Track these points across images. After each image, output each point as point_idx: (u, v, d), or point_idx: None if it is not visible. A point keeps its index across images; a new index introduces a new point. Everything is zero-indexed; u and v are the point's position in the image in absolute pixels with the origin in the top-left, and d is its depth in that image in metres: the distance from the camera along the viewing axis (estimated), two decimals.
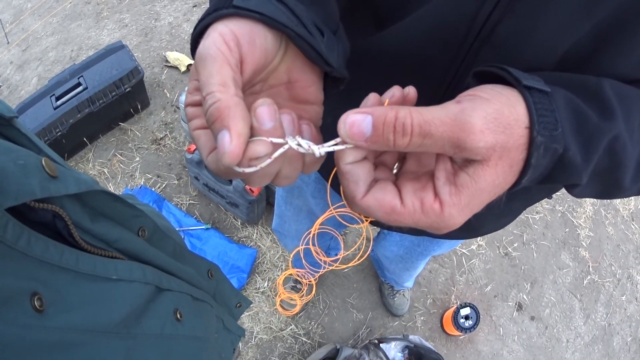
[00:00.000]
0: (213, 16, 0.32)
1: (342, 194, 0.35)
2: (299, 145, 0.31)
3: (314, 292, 1.72)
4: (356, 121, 0.30)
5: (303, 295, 1.70)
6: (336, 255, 1.46)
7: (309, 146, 0.32)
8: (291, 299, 1.71)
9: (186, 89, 0.35)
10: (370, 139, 0.30)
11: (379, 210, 0.32)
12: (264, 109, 0.29)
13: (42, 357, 0.26)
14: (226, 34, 0.30)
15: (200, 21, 0.33)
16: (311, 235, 0.89)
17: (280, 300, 1.74)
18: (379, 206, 0.31)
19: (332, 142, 0.32)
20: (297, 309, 1.72)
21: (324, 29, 0.35)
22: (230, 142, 0.27)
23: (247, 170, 0.30)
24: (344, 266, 0.99)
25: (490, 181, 0.30)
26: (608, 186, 0.39)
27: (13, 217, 0.26)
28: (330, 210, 0.81)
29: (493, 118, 0.28)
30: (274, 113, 0.29)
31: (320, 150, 0.32)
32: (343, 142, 0.31)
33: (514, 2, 0.38)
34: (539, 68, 0.41)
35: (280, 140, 0.30)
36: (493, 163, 0.29)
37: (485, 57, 0.43)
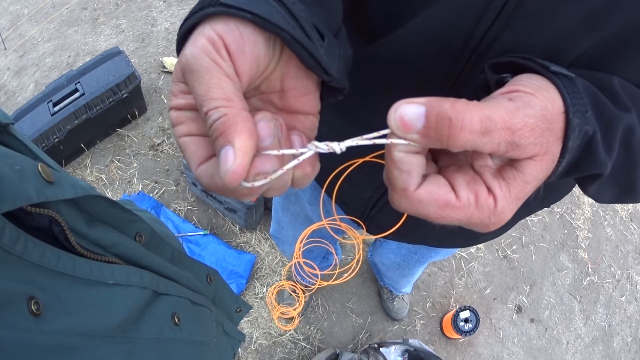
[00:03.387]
0: (199, 15, 0.28)
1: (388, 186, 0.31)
2: (318, 147, 0.29)
3: (305, 298, 1.70)
4: (407, 112, 0.27)
5: (297, 307, 1.69)
6: (332, 264, 1.45)
7: (328, 146, 0.29)
8: (283, 313, 1.70)
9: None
10: (421, 132, 0.26)
11: (432, 205, 0.28)
12: (264, 125, 0.28)
13: None
14: (215, 40, 0.27)
15: (185, 21, 0.30)
16: (300, 251, 0.88)
17: (278, 317, 1.73)
18: (432, 200, 0.28)
19: (374, 134, 0.29)
20: (295, 323, 1.71)
21: (325, 32, 0.31)
22: (234, 160, 0.25)
23: (256, 184, 0.27)
24: (338, 281, 0.98)
25: (536, 174, 0.29)
26: (623, 187, 0.39)
27: (10, 222, 0.26)
28: (323, 222, 0.80)
29: (542, 115, 0.28)
30: (272, 129, 0.28)
31: (341, 146, 0.29)
32: (390, 136, 0.28)
33: (511, 19, 0.38)
34: None
35: (292, 151, 0.28)
36: (539, 158, 0.29)
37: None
